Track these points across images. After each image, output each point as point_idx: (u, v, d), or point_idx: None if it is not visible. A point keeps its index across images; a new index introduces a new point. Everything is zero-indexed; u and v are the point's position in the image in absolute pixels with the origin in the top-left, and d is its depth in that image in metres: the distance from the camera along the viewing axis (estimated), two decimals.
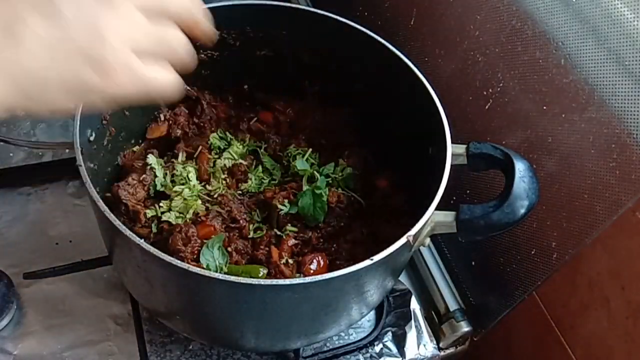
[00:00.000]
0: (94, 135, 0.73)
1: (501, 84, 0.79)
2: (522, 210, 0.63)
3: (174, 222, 0.74)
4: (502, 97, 0.79)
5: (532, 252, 0.75)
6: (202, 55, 0.85)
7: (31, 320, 0.78)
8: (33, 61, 0.40)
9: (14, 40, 0.39)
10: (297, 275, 0.71)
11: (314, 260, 0.72)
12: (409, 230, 0.62)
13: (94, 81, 0.42)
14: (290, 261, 0.73)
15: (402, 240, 0.60)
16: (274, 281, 0.58)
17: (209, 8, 0.80)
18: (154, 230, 0.74)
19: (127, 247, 0.62)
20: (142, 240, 0.58)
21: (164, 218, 0.74)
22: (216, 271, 0.68)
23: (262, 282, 0.57)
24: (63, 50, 0.41)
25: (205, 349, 0.78)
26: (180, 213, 0.75)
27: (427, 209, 0.63)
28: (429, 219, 0.63)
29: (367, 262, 0.58)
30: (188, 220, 0.74)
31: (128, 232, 0.58)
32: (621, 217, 0.65)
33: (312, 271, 0.71)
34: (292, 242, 0.74)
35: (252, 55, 0.87)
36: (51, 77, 0.41)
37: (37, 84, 0.41)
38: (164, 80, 0.47)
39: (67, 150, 0.90)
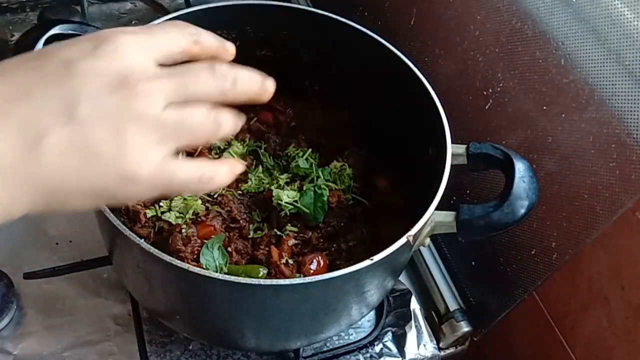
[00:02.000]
0: None
1: (501, 84, 0.79)
2: (522, 210, 0.63)
3: (174, 222, 0.74)
4: (502, 97, 0.79)
5: (532, 252, 0.75)
6: None
7: (31, 320, 0.78)
8: (56, 172, 0.37)
9: (36, 153, 0.36)
10: (297, 275, 0.71)
11: (314, 260, 0.72)
12: (409, 230, 0.62)
13: (120, 190, 0.39)
14: (291, 261, 0.73)
15: (402, 240, 0.60)
16: (274, 281, 0.58)
17: (210, 8, 0.81)
18: (154, 230, 0.74)
19: (127, 247, 0.62)
20: (142, 240, 0.58)
21: (164, 218, 0.74)
22: (216, 271, 0.68)
23: (262, 282, 0.57)
24: (87, 160, 0.38)
25: (205, 349, 0.78)
26: (180, 213, 0.75)
27: (427, 209, 0.63)
28: (429, 219, 0.63)
29: (367, 262, 0.58)
30: (188, 220, 0.74)
31: (128, 232, 0.58)
32: (621, 217, 0.65)
33: (312, 271, 0.71)
34: (292, 242, 0.74)
35: (252, 55, 0.87)
36: (74, 186, 0.38)
37: (60, 193, 0.38)
38: (191, 172, 0.43)
39: None
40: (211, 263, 0.69)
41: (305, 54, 0.87)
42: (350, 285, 0.63)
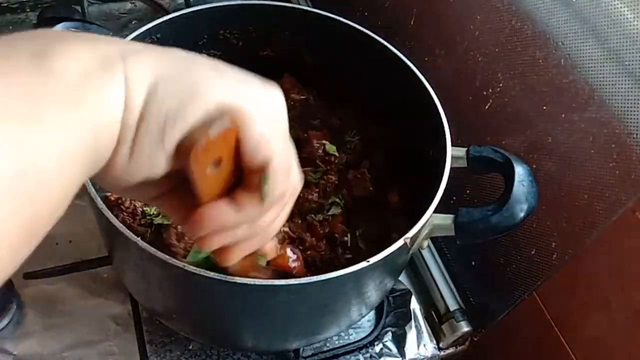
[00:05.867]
0: None
1: (501, 84, 0.79)
2: (521, 214, 0.63)
3: (168, 221, 0.74)
4: (502, 97, 0.79)
5: (532, 252, 0.75)
6: (205, 55, 0.85)
7: (31, 320, 0.78)
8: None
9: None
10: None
11: (293, 253, 0.71)
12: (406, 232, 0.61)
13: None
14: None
15: (399, 243, 0.60)
16: (269, 281, 0.57)
17: (213, 7, 0.81)
18: (151, 229, 0.74)
19: (126, 246, 0.61)
20: (139, 238, 0.58)
21: (156, 221, 0.74)
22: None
23: (257, 282, 0.57)
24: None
25: (205, 349, 0.78)
26: None
27: (425, 211, 0.62)
28: (426, 222, 0.63)
29: (363, 264, 0.58)
30: None
31: (126, 231, 0.57)
32: (621, 217, 0.64)
33: (293, 266, 0.70)
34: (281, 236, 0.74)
35: (254, 55, 0.87)
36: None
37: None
38: None
39: None
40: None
41: (307, 54, 0.87)
42: (347, 286, 0.63)
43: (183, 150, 0.36)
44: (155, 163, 0.36)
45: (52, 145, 0.29)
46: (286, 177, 0.40)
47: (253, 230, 0.42)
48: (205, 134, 0.36)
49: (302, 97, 0.87)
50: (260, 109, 0.38)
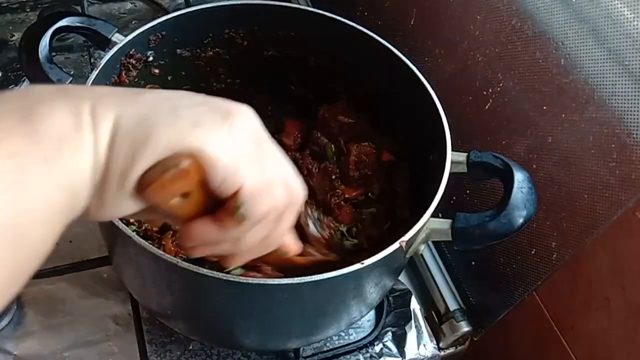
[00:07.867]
0: None
1: (501, 84, 0.79)
2: (520, 221, 0.63)
3: None
4: (502, 97, 0.79)
5: (532, 252, 0.75)
6: (210, 53, 0.85)
7: (31, 320, 0.78)
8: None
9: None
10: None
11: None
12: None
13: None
14: None
15: (395, 246, 0.60)
16: (262, 280, 0.57)
17: (219, 6, 0.81)
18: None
19: (123, 243, 0.61)
20: (134, 234, 0.58)
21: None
22: None
23: (250, 280, 0.57)
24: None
25: (205, 349, 0.78)
26: None
27: (422, 215, 0.62)
28: (423, 226, 0.62)
29: (357, 266, 0.58)
30: None
31: (122, 226, 0.57)
32: (621, 217, 0.64)
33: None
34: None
35: (260, 55, 0.87)
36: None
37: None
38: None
39: None
40: None
41: (311, 55, 0.87)
42: (342, 287, 0.63)
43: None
44: (123, 205, 0.40)
45: (34, 198, 0.34)
46: (265, 197, 0.41)
47: (238, 246, 0.44)
48: (159, 177, 0.38)
49: (350, 120, 0.86)
50: (222, 143, 0.39)
